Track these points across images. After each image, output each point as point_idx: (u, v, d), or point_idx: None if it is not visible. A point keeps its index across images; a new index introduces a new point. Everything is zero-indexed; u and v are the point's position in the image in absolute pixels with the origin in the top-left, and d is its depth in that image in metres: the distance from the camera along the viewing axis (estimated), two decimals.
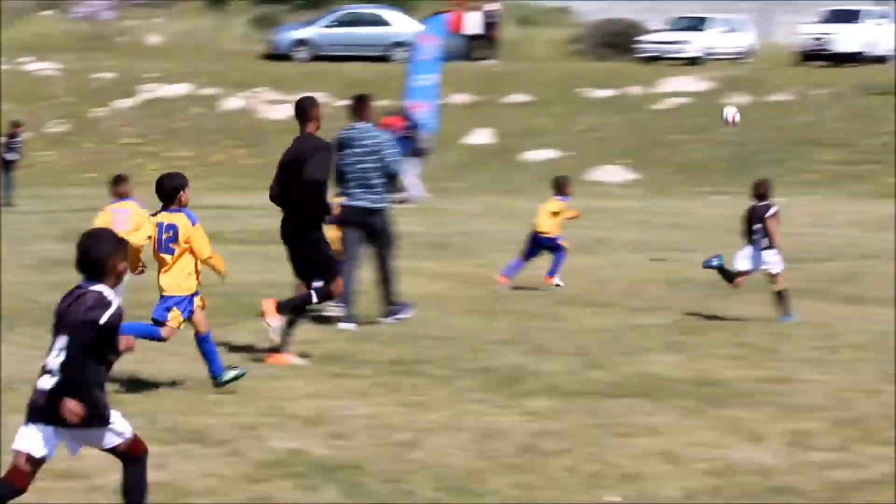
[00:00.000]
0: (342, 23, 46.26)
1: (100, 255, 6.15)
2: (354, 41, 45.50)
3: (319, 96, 41.44)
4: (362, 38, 45.58)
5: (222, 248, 16.93)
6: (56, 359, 6.09)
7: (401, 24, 45.56)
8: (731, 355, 11.52)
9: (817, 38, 45.35)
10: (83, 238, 6.23)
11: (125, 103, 40.83)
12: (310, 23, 46.84)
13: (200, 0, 51.51)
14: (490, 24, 45.29)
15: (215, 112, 40.61)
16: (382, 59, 44.70)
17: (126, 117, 40.17)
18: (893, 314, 13.66)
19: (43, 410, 6.08)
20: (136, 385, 9.91)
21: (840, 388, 10.19)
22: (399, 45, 44.27)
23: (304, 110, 11.23)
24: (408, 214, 23.70)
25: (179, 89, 41.62)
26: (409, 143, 30.03)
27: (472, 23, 43.95)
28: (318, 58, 45.33)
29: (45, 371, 6.12)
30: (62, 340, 6.09)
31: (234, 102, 41.17)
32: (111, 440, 6.21)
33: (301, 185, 10.93)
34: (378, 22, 46.17)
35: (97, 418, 6.09)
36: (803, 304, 13.98)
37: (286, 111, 38.68)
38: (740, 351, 11.71)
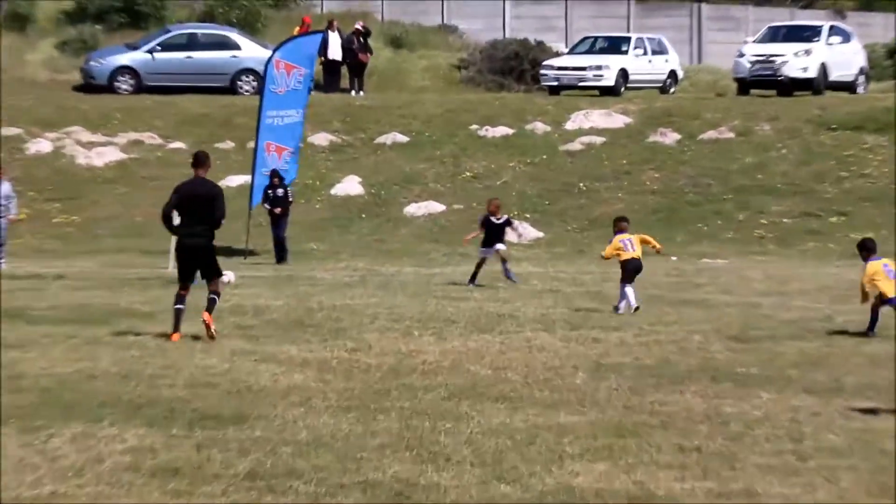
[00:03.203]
0: (176, 46, 42.78)
1: None
2: (191, 69, 42.33)
3: (147, 136, 38.11)
4: (202, 66, 42.41)
5: (29, 329, 16.29)
6: None
7: (251, 50, 42.28)
8: (676, 463, 10.37)
9: None
10: None
11: None
12: (135, 46, 43.00)
13: None
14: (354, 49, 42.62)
15: (17, 157, 35.66)
16: (228, 90, 41.87)
17: None
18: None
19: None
20: None
21: None
22: (249, 73, 41.71)
23: (203, 160, 16.27)
24: (261, 284, 22.69)
25: None
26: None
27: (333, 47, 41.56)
28: (147, 89, 41.98)
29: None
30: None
31: (41, 146, 36.87)
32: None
33: (212, 219, 16.01)
34: (223, 45, 42.76)
35: None
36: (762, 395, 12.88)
37: (106, 156, 36.05)
38: (687, 457, 10.53)
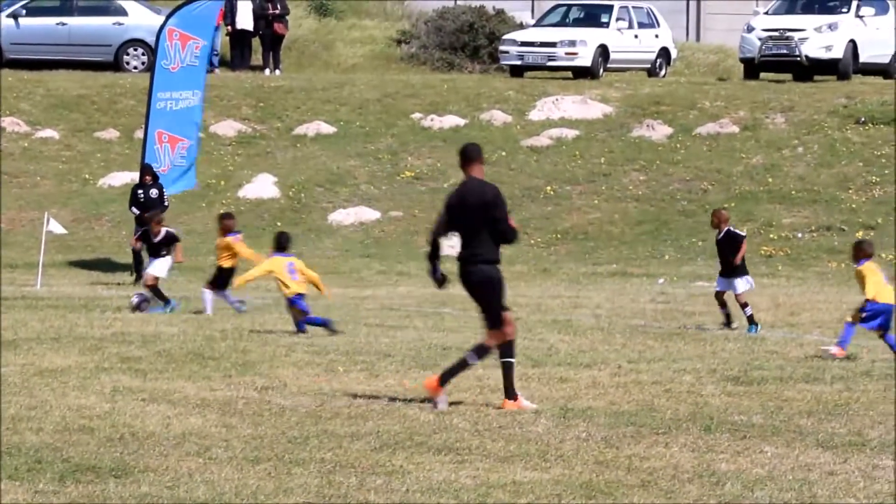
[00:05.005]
0: (47, 10, 42.76)
1: None
2: (66, 39, 42.38)
3: (9, 122, 38.04)
4: (79, 35, 42.45)
5: None
6: None
7: (140, 15, 42.51)
8: None
9: None
10: None
11: None
12: None
13: None
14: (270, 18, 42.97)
15: None
16: (111, 66, 42.00)
17: None
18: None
19: None
20: None
21: None
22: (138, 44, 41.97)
23: (472, 154, 14.37)
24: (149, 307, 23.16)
25: None
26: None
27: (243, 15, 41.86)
28: (8, 63, 41.84)
29: None
30: None
31: None
32: None
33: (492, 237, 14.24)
34: (105, 9, 42.85)
35: None
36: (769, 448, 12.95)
37: None
38: None
